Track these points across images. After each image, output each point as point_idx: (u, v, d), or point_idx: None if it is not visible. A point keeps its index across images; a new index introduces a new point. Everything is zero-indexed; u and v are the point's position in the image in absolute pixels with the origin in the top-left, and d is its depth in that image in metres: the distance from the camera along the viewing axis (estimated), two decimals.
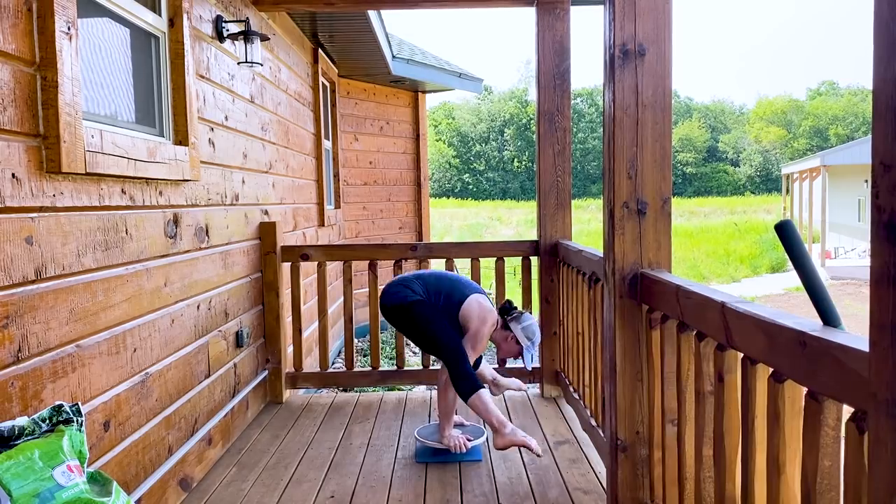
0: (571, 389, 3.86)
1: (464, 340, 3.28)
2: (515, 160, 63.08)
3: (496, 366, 4.45)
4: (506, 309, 3.48)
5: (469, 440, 3.30)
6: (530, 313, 3.63)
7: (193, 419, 3.12)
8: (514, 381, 3.73)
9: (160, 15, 2.96)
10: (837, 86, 72.42)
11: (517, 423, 3.81)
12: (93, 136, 2.21)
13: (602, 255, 2.54)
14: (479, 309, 3.30)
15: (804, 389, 1.36)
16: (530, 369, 4.05)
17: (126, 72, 2.74)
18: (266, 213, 4.42)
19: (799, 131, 64.25)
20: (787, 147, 62.72)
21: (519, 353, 3.42)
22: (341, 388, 5.23)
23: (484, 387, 3.13)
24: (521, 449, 3.42)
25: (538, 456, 3.09)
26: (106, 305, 2.34)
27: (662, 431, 2.20)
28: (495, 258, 4.41)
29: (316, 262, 4.39)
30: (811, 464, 1.33)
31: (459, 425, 3.61)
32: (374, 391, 5.29)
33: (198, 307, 3.19)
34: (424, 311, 3.24)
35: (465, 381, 3.09)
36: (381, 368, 4.43)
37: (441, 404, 3.35)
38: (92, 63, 2.45)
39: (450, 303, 3.31)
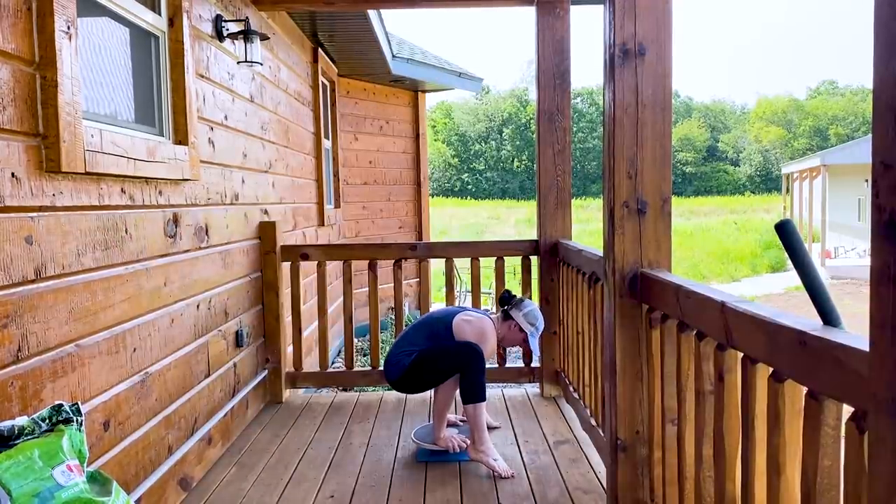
0: (571, 389, 3.86)
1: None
2: (515, 159, 63.04)
3: (495, 365, 4.45)
4: (505, 299, 3.51)
5: (465, 442, 3.29)
6: (530, 299, 3.66)
7: (193, 419, 3.11)
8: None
9: (160, 14, 2.96)
10: (838, 85, 72.36)
11: (517, 422, 3.82)
12: (92, 136, 2.21)
13: (602, 255, 2.54)
14: (470, 327, 3.34)
15: (804, 389, 1.37)
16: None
17: (126, 71, 2.74)
18: (266, 212, 4.42)
19: (799, 131, 64.18)
20: (788, 147, 62.66)
21: (523, 341, 3.46)
22: (341, 388, 5.23)
23: (486, 401, 3.20)
24: (521, 448, 3.43)
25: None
26: (105, 305, 2.34)
27: (662, 431, 2.20)
28: (495, 258, 4.41)
29: (315, 262, 4.39)
30: (811, 463, 1.33)
31: (453, 425, 3.61)
32: (373, 391, 5.29)
33: (197, 307, 3.19)
34: (425, 354, 3.28)
35: (476, 388, 3.17)
36: (380, 368, 4.42)
37: (435, 406, 3.36)
38: (92, 62, 2.45)
39: (439, 338, 3.34)
